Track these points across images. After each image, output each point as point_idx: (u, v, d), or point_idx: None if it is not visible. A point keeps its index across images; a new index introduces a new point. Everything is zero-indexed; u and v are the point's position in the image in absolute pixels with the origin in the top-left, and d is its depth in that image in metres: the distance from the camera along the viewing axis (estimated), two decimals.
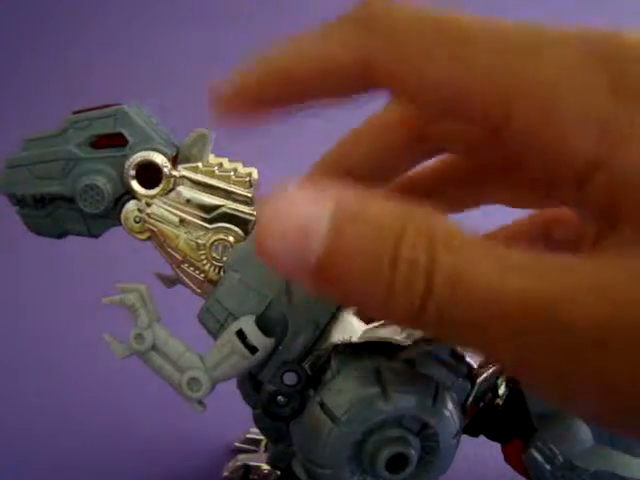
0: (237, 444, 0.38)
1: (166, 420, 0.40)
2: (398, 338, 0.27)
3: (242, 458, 0.36)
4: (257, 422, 0.31)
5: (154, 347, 0.29)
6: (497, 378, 0.31)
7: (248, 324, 0.28)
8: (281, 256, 0.21)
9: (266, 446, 0.37)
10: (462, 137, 0.24)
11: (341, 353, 0.28)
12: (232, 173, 0.30)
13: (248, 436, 0.38)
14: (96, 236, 0.31)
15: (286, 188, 0.20)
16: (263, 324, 0.28)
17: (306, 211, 0.19)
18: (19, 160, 0.30)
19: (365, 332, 0.28)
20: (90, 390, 0.44)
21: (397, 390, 0.27)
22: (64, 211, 0.30)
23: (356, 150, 0.34)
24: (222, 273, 0.29)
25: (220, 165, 0.30)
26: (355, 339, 0.28)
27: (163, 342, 0.29)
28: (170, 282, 0.39)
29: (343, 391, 0.27)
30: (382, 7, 0.19)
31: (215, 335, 0.29)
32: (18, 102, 0.81)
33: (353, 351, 0.28)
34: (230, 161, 0.30)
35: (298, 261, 0.21)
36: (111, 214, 0.30)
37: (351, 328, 0.29)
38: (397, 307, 0.17)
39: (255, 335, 0.28)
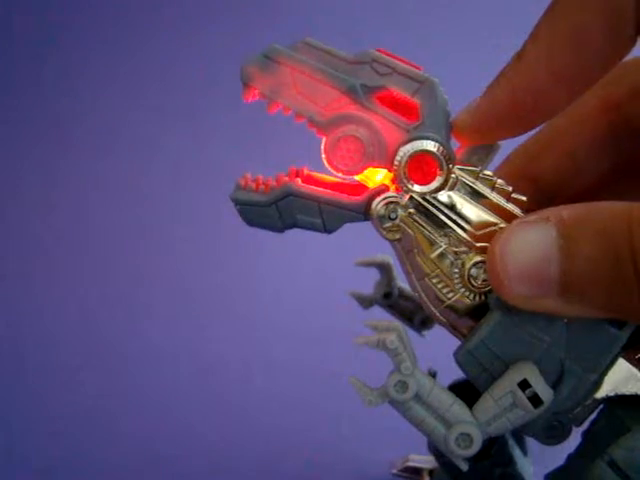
0: (395, 471, 0.35)
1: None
2: None
3: None
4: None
5: (416, 396, 0.25)
6: None
7: (534, 374, 0.25)
8: (522, 292, 0.23)
9: (430, 476, 0.34)
10: None
11: (628, 406, 0.26)
12: (510, 189, 0.26)
13: (409, 464, 0.35)
14: (330, 231, 0.26)
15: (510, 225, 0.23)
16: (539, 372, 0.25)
17: (533, 242, 0.22)
18: (286, 56, 0.25)
19: None
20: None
21: None
22: (295, 199, 0.25)
23: (547, 156, 0.30)
24: (476, 299, 0.26)
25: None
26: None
27: (427, 392, 0.25)
28: (367, 302, 0.35)
29: (637, 449, 0.25)
30: None
31: (475, 380, 0.26)
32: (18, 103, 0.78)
33: None
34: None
35: (540, 289, 0.23)
36: (356, 207, 0.25)
37: (628, 376, 0.26)
38: None
39: (542, 386, 0.25)
